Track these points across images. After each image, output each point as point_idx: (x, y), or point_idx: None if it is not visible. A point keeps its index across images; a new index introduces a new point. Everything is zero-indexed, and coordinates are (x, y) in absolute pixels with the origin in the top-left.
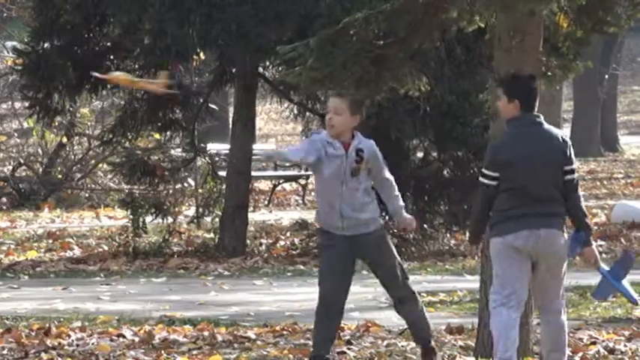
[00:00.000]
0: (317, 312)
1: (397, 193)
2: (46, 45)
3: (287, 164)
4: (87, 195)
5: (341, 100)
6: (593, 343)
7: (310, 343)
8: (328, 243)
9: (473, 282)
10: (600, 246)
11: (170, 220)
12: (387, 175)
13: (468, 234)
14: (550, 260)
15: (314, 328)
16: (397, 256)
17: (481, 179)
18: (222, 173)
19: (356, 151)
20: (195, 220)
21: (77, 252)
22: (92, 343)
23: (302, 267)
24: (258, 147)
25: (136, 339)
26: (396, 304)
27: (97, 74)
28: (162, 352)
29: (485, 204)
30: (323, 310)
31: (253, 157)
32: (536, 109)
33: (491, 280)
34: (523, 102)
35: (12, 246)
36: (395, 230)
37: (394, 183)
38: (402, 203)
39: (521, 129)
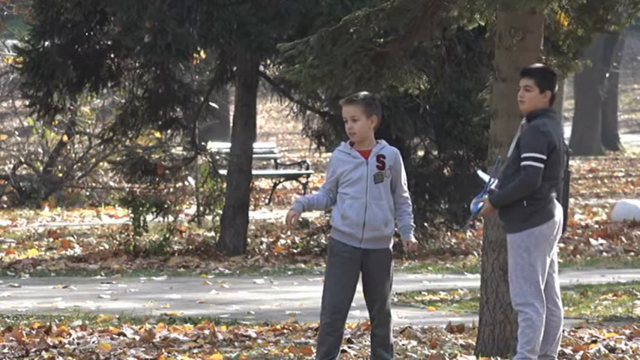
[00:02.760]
0: (323, 324)
1: (410, 211)
2: (46, 43)
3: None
4: (87, 193)
5: (355, 107)
6: (594, 342)
7: (311, 342)
8: (341, 254)
9: (473, 280)
10: (601, 245)
11: (171, 218)
12: (405, 190)
13: (486, 202)
14: (556, 244)
15: (318, 338)
16: (392, 275)
17: (536, 164)
18: (223, 172)
19: (377, 157)
20: (195, 219)
21: (78, 250)
22: (93, 342)
23: (303, 265)
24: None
25: (137, 337)
26: (372, 319)
27: None
28: (163, 350)
29: (533, 190)
30: (329, 322)
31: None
32: None
33: (492, 278)
34: (553, 95)
35: (13, 244)
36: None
37: (410, 201)
38: (412, 223)
39: (555, 120)
